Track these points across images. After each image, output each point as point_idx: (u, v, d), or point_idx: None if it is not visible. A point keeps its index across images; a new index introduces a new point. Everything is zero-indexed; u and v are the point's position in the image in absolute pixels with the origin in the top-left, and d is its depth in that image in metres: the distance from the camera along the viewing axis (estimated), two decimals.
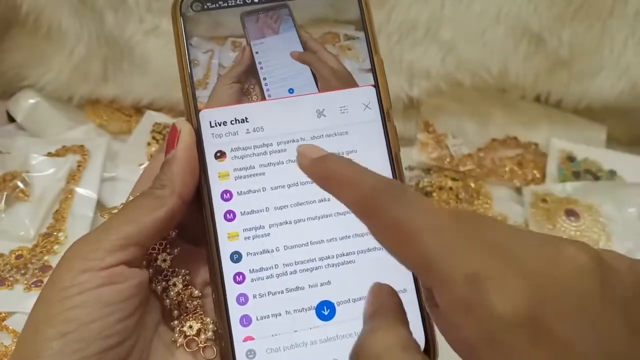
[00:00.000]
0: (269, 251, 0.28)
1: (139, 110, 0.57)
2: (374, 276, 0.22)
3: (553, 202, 0.52)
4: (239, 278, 0.27)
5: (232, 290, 0.27)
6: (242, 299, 0.27)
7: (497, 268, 0.17)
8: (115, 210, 0.27)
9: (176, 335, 0.27)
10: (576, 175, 0.55)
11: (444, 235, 0.18)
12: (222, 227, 0.28)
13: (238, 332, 0.27)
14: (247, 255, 0.28)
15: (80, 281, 0.24)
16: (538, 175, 0.56)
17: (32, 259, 0.45)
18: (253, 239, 0.28)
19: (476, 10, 0.52)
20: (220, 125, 0.29)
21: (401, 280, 0.27)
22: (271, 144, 0.29)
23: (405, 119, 0.58)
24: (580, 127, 0.59)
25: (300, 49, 0.30)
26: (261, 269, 0.28)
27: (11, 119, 0.56)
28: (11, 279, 0.44)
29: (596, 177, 0.55)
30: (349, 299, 0.28)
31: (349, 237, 0.28)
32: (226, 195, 0.28)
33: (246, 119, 0.29)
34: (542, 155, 0.57)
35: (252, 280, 0.27)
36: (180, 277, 0.28)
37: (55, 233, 0.47)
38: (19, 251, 0.46)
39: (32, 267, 0.45)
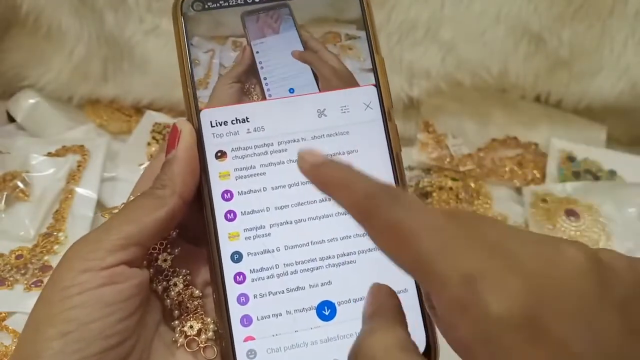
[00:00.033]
0: (269, 251, 0.28)
1: (139, 110, 0.57)
2: (374, 276, 0.22)
3: (553, 202, 0.52)
4: (240, 278, 0.27)
5: (232, 290, 0.27)
6: (243, 299, 0.27)
7: (494, 268, 0.17)
8: (116, 210, 0.27)
9: (177, 335, 0.27)
10: (576, 175, 0.55)
11: (439, 236, 0.18)
12: (223, 227, 0.28)
13: (239, 332, 0.27)
14: (248, 255, 0.28)
15: (80, 281, 0.24)
16: (538, 175, 0.56)
17: (32, 259, 0.45)
18: (254, 239, 0.28)
19: (476, 10, 0.52)
20: (221, 125, 0.29)
21: (402, 280, 0.27)
22: (272, 144, 0.29)
23: (405, 119, 0.58)
24: (580, 127, 0.59)
25: (301, 49, 0.30)
26: (262, 269, 0.27)
27: (11, 119, 0.56)
28: (11, 279, 0.44)
29: (596, 177, 0.55)
30: (349, 299, 0.28)
31: (350, 237, 0.28)
32: (227, 195, 0.28)
33: (247, 118, 0.29)
34: (542, 155, 0.57)
35: (253, 280, 0.27)
36: (180, 277, 0.28)
37: (55, 233, 0.47)
38: (19, 251, 0.46)
39: (32, 267, 0.45)
